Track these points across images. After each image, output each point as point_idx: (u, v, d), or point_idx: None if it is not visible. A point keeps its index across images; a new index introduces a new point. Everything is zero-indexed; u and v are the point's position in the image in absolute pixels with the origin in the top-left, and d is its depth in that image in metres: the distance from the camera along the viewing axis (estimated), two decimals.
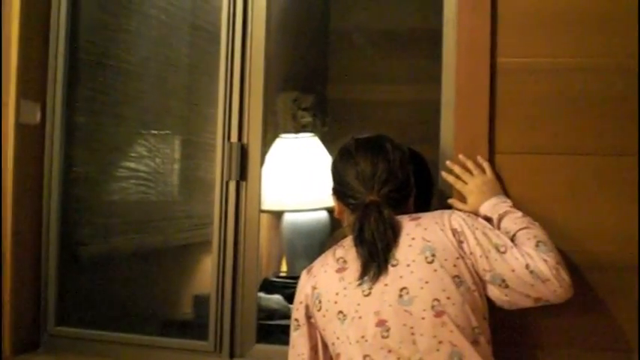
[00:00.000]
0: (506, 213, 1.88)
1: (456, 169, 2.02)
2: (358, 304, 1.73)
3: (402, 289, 1.71)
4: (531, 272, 1.73)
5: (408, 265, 1.73)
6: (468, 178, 2.00)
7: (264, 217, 3.20)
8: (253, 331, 2.33)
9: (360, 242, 1.77)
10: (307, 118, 3.65)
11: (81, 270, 2.65)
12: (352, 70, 4.06)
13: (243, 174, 2.33)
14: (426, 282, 1.70)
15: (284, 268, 3.47)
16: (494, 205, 1.93)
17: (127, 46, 2.79)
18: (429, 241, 1.75)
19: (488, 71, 2.05)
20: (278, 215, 3.41)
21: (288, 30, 3.59)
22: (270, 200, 3.15)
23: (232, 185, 2.32)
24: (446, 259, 1.73)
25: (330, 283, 1.79)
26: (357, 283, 1.75)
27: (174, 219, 2.90)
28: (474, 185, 1.98)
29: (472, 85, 2.07)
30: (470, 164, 2.01)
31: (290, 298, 2.88)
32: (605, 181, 1.99)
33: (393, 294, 1.71)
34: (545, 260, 1.74)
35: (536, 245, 1.77)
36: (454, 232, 1.77)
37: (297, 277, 3.11)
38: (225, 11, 2.35)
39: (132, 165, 2.78)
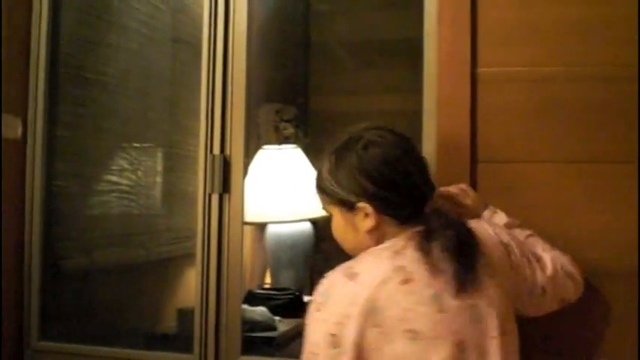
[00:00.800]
0: (508, 222, 1.88)
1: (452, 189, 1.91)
2: (435, 322, 1.51)
3: (473, 306, 1.54)
4: (565, 273, 1.77)
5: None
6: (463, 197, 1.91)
7: (247, 229, 3.19)
8: (238, 343, 2.33)
9: (447, 252, 1.55)
10: (289, 130, 3.65)
11: (64, 284, 2.63)
12: (333, 81, 4.07)
13: (225, 186, 2.33)
14: (492, 297, 1.57)
15: (268, 279, 3.47)
16: (493, 213, 1.91)
17: (108, 60, 2.78)
18: (484, 253, 1.62)
19: (469, 81, 2.07)
20: (261, 227, 3.41)
21: (269, 42, 3.59)
22: (253, 212, 3.14)
23: (215, 198, 2.32)
24: (502, 272, 1.63)
25: (395, 295, 1.52)
26: (432, 297, 1.52)
27: (157, 232, 2.89)
28: (472, 199, 1.91)
29: (453, 95, 2.08)
30: (464, 186, 1.93)
31: (274, 309, 2.88)
32: (588, 188, 2.00)
33: (466, 311, 1.54)
34: (565, 257, 1.80)
35: (550, 247, 1.80)
36: (502, 243, 1.69)
37: (281, 289, 3.14)
38: (206, 24, 2.35)
39: (114, 178, 2.77)
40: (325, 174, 1.69)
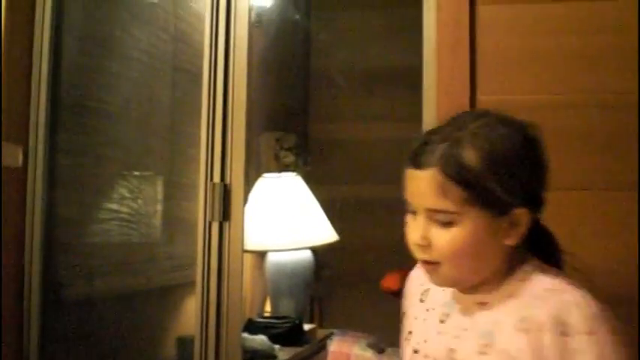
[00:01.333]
0: None
1: None
2: None
3: None
4: None
5: None
6: None
7: (247, 257, 3.19)
8: None
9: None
10: (290, 158, 3.66)
11: (64, 312, 2.63)
12: (333, 109, 4.09)
13: (226, 214, 2.33)
14: None
15: (268, 308, 3.46)
16: None
17: (109, 88, 2.79)
18: None
19: (468, 109, 2.07)
20: (261, 255, 3.41)
21: (269, 70, 3.61)
22: (253, 240, 3.14)
23: (215, 226, 2.32)
24: None
25: None
26: None
27: (157, 260, 2.89)
28: None
29: None
30: None
31: (274, 338, 2.87)
32: (587, 215, 2.00)
33: None
34: None
35: None
36: None
37: (280, 318, 3.13)
38: (207, 52, 2.36)
39: (114, 206, 2.77)
40: (477, 163, 1.26)
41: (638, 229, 2.03)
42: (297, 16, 4.10)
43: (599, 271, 1.98)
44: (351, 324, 2.98)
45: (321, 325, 3.67)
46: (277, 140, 3.65)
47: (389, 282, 2.77)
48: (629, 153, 1.98)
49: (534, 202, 1.33)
